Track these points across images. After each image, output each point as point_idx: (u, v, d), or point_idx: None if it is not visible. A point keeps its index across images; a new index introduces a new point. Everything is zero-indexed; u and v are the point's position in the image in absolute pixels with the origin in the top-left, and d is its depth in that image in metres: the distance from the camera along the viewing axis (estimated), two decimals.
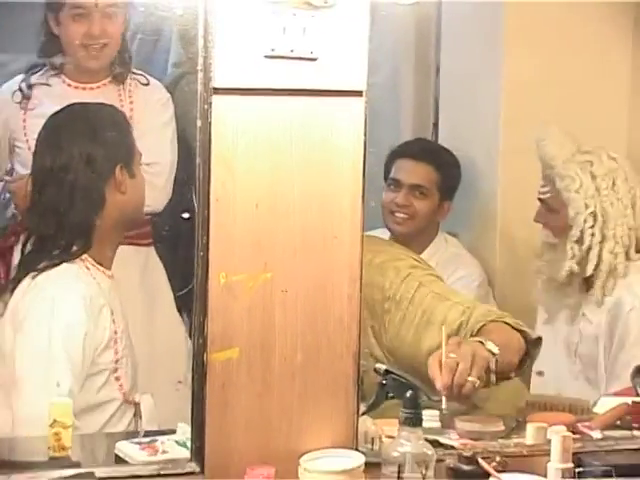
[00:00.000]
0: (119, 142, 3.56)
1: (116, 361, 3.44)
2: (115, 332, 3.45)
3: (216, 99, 2.93)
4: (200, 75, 2.94)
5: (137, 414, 3.40)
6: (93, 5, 3.89)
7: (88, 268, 3.47)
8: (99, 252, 3.51)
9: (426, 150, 4.58)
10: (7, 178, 4.01)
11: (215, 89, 2.92)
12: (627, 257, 4.08)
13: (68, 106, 3.66)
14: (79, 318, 3.38)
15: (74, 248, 3.47)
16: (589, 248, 4.05)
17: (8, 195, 4.07)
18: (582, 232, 4.12)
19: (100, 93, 4.00)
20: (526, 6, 4.18)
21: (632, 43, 4.28)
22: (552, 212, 4.19)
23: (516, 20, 4.26)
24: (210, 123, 2.94)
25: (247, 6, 2.91)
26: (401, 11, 3.43)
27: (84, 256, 3.47)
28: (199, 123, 2.97)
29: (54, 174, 3.55)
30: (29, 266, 3.50)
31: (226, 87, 2.93)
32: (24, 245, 3.60)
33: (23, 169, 3.95)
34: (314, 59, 2.96)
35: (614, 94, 4.29)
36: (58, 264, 3.44)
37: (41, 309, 3.40)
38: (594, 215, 4.13)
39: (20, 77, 4.01)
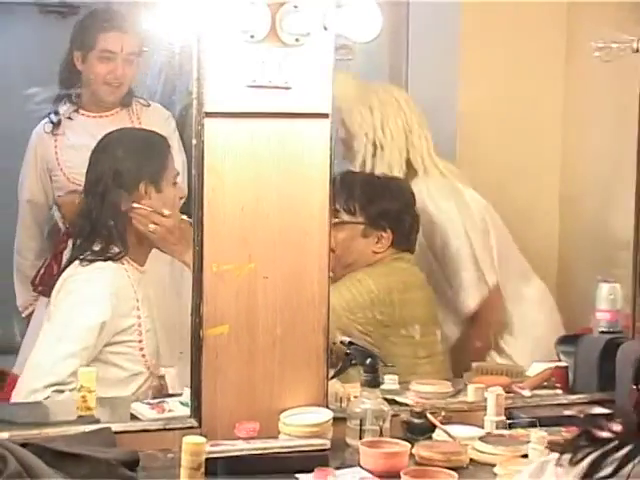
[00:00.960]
0: (147, 162, 3.55)
1: (140, 341, 3.46)
2: (139, 317, 3.46)
3: (208, 121, 3.00)
4: (194, 102, 3.01)
5: (163, 384, 3.40)
6: (119, 51, 3.90)
7: (123, 264, 3.49)
8: (135, 251, 3.52)
9: None
10: (59, 194, 4.00)
11: (207, 113, 3.00)
12: None
13: (116, 130, 3.70)
14: (100, 308, 3.40)
15: (115, 250, 3.48)
16: None
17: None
18: (365, 161, 3.99)
19: (114, 120, 3.99)
20: (479, 41, 4.24)
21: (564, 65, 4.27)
22: (348, 150, 4.05)
23: (470, 52, 4.28)
24: (203, 141, 3.01)
25: (232, 45, 2.98)
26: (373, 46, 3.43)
27: (125, 256, 3.49)
28: (194, 141, 3.03)
29: (91, 188, 3.58)
30: (75, 256, 3.52)
31: (216, 111, 3.01)
32: (73, 246, 3.63)
33: (60, 195, 4.00)
34: (288, 88, 3.03)
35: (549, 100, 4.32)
36: (93, 260, 3.46)
37: (73, 291, 3.45)
38: (374, 144, 3.97)
39: (48, 116, 3.98)
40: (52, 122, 4.00)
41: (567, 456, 1.71)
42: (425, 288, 3.92)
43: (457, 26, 4.32)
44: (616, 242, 4.08)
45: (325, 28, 3.04)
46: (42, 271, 4.00)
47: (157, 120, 4.02)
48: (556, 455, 1.77)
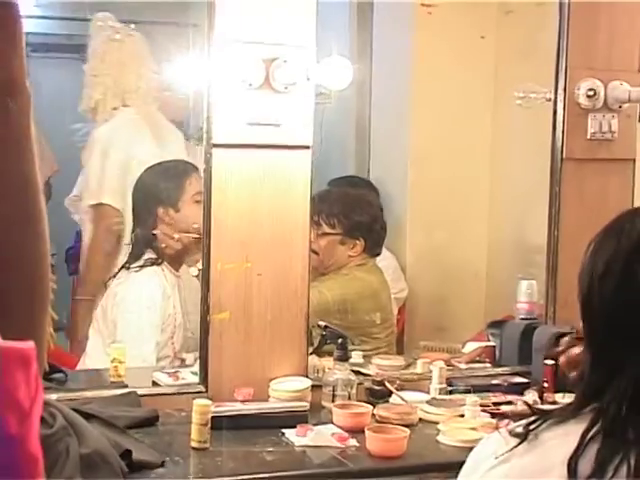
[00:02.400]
0: (164, 188, 3.57)
1: (172, 333, 3.49)
2: (174, 313, 3.50)
3: (215, 151, 3.03)
4: (205, 135, 3.04)
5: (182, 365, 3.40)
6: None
7: (163, 270, 3.52)
8: (171, 260, 3.55)
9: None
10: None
11: (214, 144, 3.03)
12: None
13: (150, 167, 3.68)
14: (158, 301, 3.48)
15: (150, 256, 3.53)
16: None
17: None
18: None
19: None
20: (426, 92, 4.29)
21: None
22: None
23: (418, 102, 4.34)
24: (211, 167, 3.04)
25: (234, 91, 3.01)
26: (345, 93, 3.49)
27: (163, 263, 3.52)
28: (204, 166, 3.07)
29: (134, 212, 3.66)
30: (125, 264, 3.58)
31: (221, 143, 3.03)
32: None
33: None
34: (278, 125, 3.06)
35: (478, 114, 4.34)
36: (144, 266, 3.51)
37: (135, 293, 3.49)
38: None
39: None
40: None
41: (512, 425, 1.68)
42: (380, 292, 3.92)
43: (408, 82, 4.36)
44: (532, 247, 4.11)
45: (308, 79, 3.07)
46: None
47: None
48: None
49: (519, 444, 1.57)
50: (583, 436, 1.51)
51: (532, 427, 1.60)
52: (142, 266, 3.53)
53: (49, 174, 4.06)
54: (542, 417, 1.62)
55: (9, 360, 0.85)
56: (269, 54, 3.03)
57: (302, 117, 3.13)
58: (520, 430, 1.60)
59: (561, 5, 3.53)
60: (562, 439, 1.55)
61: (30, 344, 0.86)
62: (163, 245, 3.56)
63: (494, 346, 3.60)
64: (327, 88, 3.19)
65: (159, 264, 3.55)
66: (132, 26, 3.90)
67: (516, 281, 3.79)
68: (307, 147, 3.15)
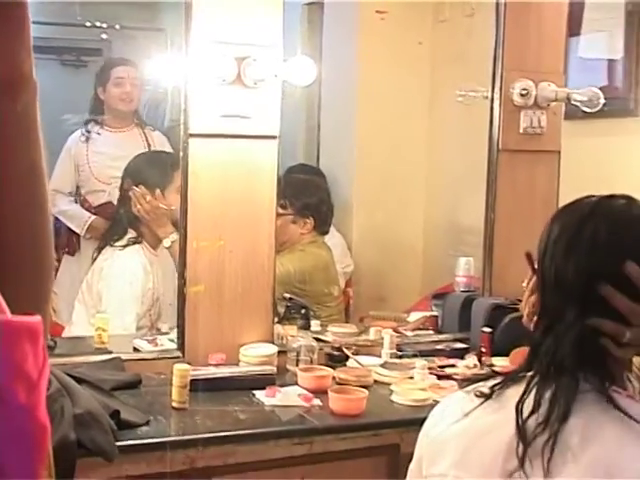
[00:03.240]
0: (153, 175, 3.55)
1: (150, 304, 3.46)
2: (152, 287, 3.47)
3: (191, 140, 2.98)
4: (182, 126, 3.00)
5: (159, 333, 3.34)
6: (127, 76, 3.91)
7: (143, 248, 3.49)
8: (150, 239, 3.50)
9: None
10: (84, 190, 4.01)
11: (191, 134, 2.98)
12: None
13: (142, 153, 3.74)
14: (140, 276, 3.44)
15: (131, 235, 3.50)
16: None
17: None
18: None
19: (129, 135, 3.98)
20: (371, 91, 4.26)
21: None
22: None
23: (364, 92, 4.32)
24: (188, 154, 2.99)
25: (209, 86, 2.96)
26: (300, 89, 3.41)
27: (143, 242, 3.49)
28: (181, 154, 3.02)
29: (120, 193, 3.62)
30: (107, 242, 3.54)
31: (197, 133, 2.99)
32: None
33: (83, 188, 3.96)
34: (248, 117, 3.02)
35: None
36: (128, 245, 3.48)
37: (118, 268, 3.46)
38: None
39: (82, 129, 3.97)
40: (84, 134, 3.97)
41: (474, 386, 1.69)
42: (330, 266, 3.93)
43: (355, 80, 4.33)
44: (464, 228, 4.12)
45: (275, 76, 3.02)
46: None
47: (160, 140, 3.99)
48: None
49: (484, 401, 1.62)
50: (528, 383, 1.57)
51: (496, 388, 1.64)
52: (125, 245, 3.51)
53: None
54: (504, 378, 1.67)
55: (18, 333, 0.81)
56: (240, 53, 2.99)
57: (270, 110, 3.08)
58: (485, 390, 1.64)
59: (497, 15, 3.54)
60: (518, 394, 1.58)
61: (37, 318, 0.83)
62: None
63: (437, 315, 3.60)
64: (293, 84, 3.12)
65: (139, 242, 3.53)
66: (117, 26, 3.89)
67: (448, 258, 3.82)
68: (274, 137, 3.11)
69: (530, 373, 1.60)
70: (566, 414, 1.51)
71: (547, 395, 1.54)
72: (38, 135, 0.99)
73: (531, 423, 1.53)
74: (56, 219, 3.92)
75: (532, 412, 1.54)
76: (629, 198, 1.65)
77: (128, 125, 4.04)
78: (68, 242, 3.99)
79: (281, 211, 3.73)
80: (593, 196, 1.65)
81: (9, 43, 0.95)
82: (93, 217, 3.92)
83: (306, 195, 3.89)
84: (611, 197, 1.65)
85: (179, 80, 3.03)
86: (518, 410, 1.55)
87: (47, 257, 1.02)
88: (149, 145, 3.97)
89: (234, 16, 3.01)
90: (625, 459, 1.46)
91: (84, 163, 3.94)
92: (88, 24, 4.27)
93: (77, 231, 3.94)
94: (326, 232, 3.96)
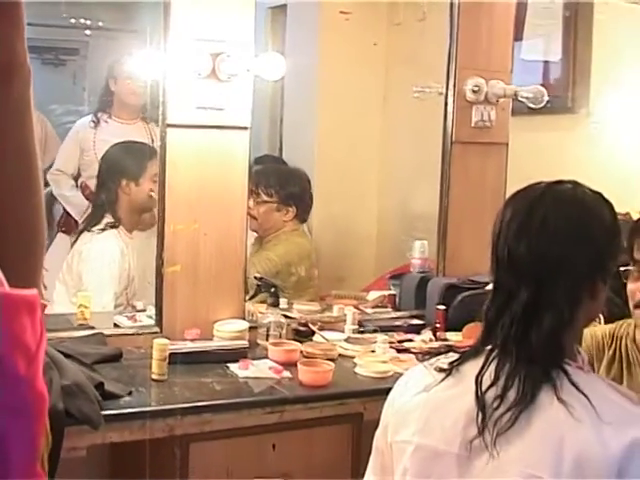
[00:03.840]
0: (130, 164, 3.51)
1: (126, 284, 3.42)
2: (128, 268, 3.44)
3: (169, 130, 2.95)
4: (160, 117, 2.96)
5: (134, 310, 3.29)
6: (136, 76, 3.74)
7: (119, 232, 3.45)
8: (126, 223, 3.47)
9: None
10: (84, 175, 3.93)
11: (168, 124, 2.94)
12: None
13: (119, 143, 3.66)
14: (117, 258, 3.41)
15: (109, 220, 3.45)
16: None
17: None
18: None
19: (135, 128, 3.90)
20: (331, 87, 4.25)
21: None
22: None
23: (324, 88, 4.31)
24: (166, 143, 2.96)
25: (186, 80, 2.92)
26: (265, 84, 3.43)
27: (120, 226, 3.46)
28: (160, 143, 2.98)
29: (98, 179, 3.58)
30: (86, 226, 3.50)
31: (175, 123, 2.95)
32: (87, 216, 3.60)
33: (85, 172, 3.88)
34: (222, 109, 2.98)
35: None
36: (105, 229, 3.44)
37: (97, 251, 3.41)
38: None
39: (91, 115, 3.91)
40: (94, 121, 3.90)
41: (433, 360, 1.70)
42: (311, 253, 3.93)
43: (316, 77, 4.30)
44: (415, 215, 4.11)
45: (247, 70, 2.99)
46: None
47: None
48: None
49: (445, 377, 1.62)
50: (487, 357, 1.57)
51: (455, 363, 1.64)
52: (103, 229, 3.47)
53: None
54: (463, 355, 1.66)
55: (17, 306, 0.80)
56: (215, 49, 2.95)
57: (242, 103, 3.05)
58: (445, 366, 1.64)
59: (452, 18, 3.53)
60: (476, 367, 1.59)
61: (34, 291, 0.82)
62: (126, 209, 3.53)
63: (395, 294, 3.59)
64: (264, 79, 3.09)
65: (116, 227, 3.49)
66: (95, 27, 3.83)
67: (400, 242, 3.83)
68: (246, 128, 3.07)
69: (488, 347, 1.60)
70: (524, 389, 1.51)
71: (505, 369, 1.54)
72: (32, 118, 0.99)
73: (490, 395, 1.53)
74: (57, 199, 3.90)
75: (491, 385, 1.54)
76: (575, 183, 1.66)
77: (135, 118, 3.97)
78: (66, 221, 3.93)
79: (266, 199, 3.77)
80: (542, 182, 1.66)
81: (6, 33, 0.94)
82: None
83: (290, 184, 3.85)
84: (559, 182, 1.65)
85: (158, 75, 2.98)
86: (478, 382, 1.55)
87: (40, 234, 1.01)
88: (152, 140, 3.85)
89: (209, 15, 2.96)
90: (573, 428, 1.46)
91: (90, 148, 3.88)
92: (67, 25, 4.20)
93: (76, 218, 3.87)
94: (306, 220, 3.94)
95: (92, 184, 3.79)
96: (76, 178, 3.94)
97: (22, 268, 0.97)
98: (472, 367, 1.59)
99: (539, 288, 1.55)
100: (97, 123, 3.91)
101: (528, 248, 1.56)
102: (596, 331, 2.32)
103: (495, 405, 1.51)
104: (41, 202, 1.01)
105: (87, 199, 3.83)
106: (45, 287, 3.44)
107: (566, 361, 1.55)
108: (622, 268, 2.22)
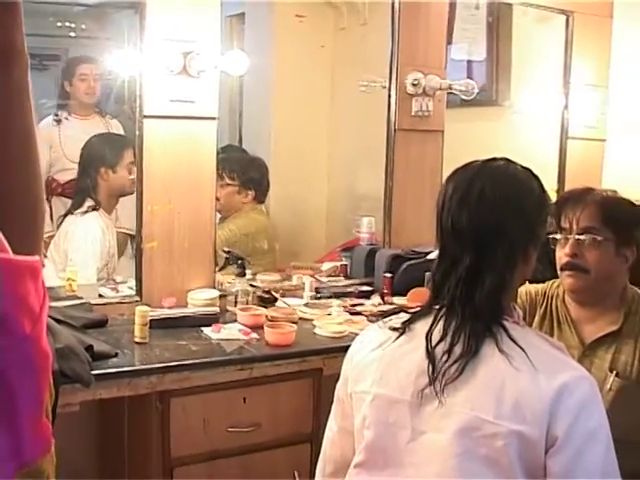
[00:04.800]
0: (107, 153, 3.46)
1: (107, 260, 3.38)
2: (108, 246, 3.40)
3: (145, 120, 2.90)
4: (137, 109, 2.91)
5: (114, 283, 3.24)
6: (90, 73, 3.77)
7: (100, 214, 3.40)
8: (105, 206, 3.42)
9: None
10: (55, 169, 3.81)
11: (145, 115, 2.90)
12: None
13: (97, 135, 3.61)
14: (98, 237, 3.36)
15: (90, 204, 3.40)
16: None
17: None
18: None
19: (92, 122, 3.85)
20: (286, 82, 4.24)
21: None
22: None
23: (279, 83, 4.28)
24: (142, 132, 2.91)
25: (160, 76, 2.88)
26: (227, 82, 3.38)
27: (100, 209, 3.41)
28: (137, 133, 2.93)
29: (80, 168, 3.50)
30: (70, 210, 3.44)
31: (150, 115, 2.90)
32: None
33: (53, 167, 3.77)
34: (193, 101, 2.95)
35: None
36: (87, 211, 3.39)
37: (81, 231, 3.37)
38: None
39: (52, 115, 3.81)
40: (56, 120, 3.81)
41: (386, 320, 1.70)
42: (268, 227, 3.93)
43: (272, 74, 4.26)
44: (360, 196, 4.13)
45: (215, 67, 2.95)
46: None
47: (116, 127, 3.88)
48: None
49: (399, 335, 1.62)
50: (435, 316, 1.58)
51: (407, 322, 1.64)
52: (85, 211, 3.42)
53: None
54: (413, 315, 1.66)
55: (21, 271, 0.80)
56: (186, 48, 2.91)
57: (210, 96, 3.01)
58: (397, 325, 1.64)
59: (393, 21, 3.52)
60: (426, 325, 1.59)
61: (37, 258, 0.82)
62: (106, 192, 3.47)
63: (346, 264, 3.58)
64: (229, 74, 3.06)
65: (97, 209, 3.44)
66: (83, 26, 3.77)
67: (347, 220, 3.83)
68: (214, 118, 3.04)
69: (436, 307, 1.60)
70: (469, 343, 1.52)
71: (452, 326, 1.55)
72: (30, 101, 0.97)
73: (439, 349, 1.54)
74: None
75: (440, 340, 1.55)
76: (507, 160, 1.66)
77: (91, 114, 3.91)
78: None
79: (229, 182, 3.76)
80: (478, 160, 1.65)
81: (5, 22, 0.93)
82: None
83: (251, 171, 3.86)
84: (493, 160, 1.65)
85: (134, 71, 2.93)
86: (428, 339, 1.55)
87: (40, 203, 1.00)
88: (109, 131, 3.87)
89: (180, 19, 2.91)
90: (512, 375, 1.47)
91: (57, 144, 3.79)
92: (49, 34, 4.14)
93: None
94: (263, 202, 3.94)
95: (60, 177, 3.76)
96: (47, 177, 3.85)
97: (25, 237, 0.96)
98: (422, 325, 1.59)
99: (480, 253, 1.55)
100: (59, 121, 3.84)
101: (469, 218, 1.56)
102: (530, 289, 2.34)
103: (444, 358, 1.52)
104: (40, 177, 0.99)
105: (53, 192, 3.73)
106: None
107: (505, 317, 1.57)
108: (550, 236, 2.25)
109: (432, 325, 1.57)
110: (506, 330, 1.54)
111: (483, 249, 1.55)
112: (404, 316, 1.66)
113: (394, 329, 1.63)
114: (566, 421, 1.43)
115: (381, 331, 1.66)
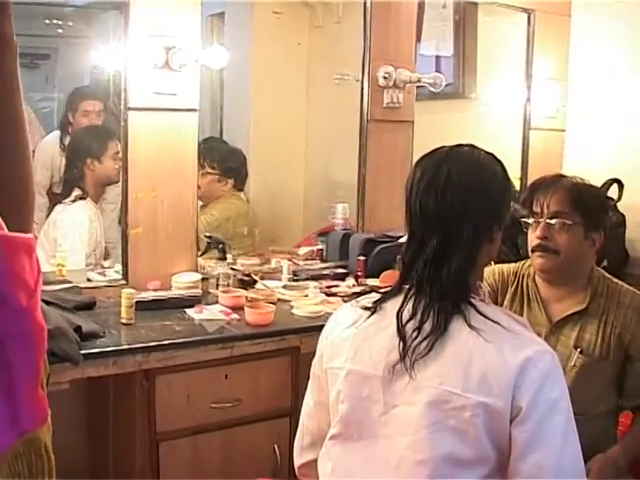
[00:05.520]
0: (93, 145, 3.43)
1: (94, 247, 3.36)
2: (95, 233, 3.36)
3: (130, 112, 2.88)
4: (122, 101, 2.88)
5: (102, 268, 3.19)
6: (92, 109, 3.70)
7: (87, 203, 3.37)
8: (92, 195, 3.39)
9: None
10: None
11: (129, 108, 2.87)
12: None
13: (84, 127, 3.59)
14: (86, 224, 3.34)
15: (77, 193, 3.38)
16: None
17: None
18: None
19: None
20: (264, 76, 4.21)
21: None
22: None
23: (258, 77, 4.26)
24: (128, 124, 2.88)
25: (144, 70, 2.85)
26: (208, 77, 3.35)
27: (87, 198, 3.38)
28: (122, 124, 2.89)
29: (67, 159, 3.49)
30: (58, 200, 3.42)
31: (134, 107, 2.87)
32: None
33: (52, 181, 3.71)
34: (175, 94, 2.92)
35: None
36: (75, 200, 3.37)
37: (70, 219, 3.34)
38: None
39: (57, 133, 3.75)
40: (60, 146, 3.71)
41: (359, 299, 1.70)
42: (247, 213, 3.90)
43: (251, 68, 4.24)
44: (335, 183, 4.08)
45: (196, 61, 2.92)
46: None
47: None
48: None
49: (371, 315, 1.61)
50: (405, 295, 1.57)
51: (378, 302, 1.63)
52: (73, 200, 3.40)
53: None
54: (384, 294, 1.65)
55: (16, 246, 0.79)
56: (168, 43, 2.87)
57: (191, 89, 2.98)
58: (369, 305, 1.63)
59: (365, 18, 3.52)
60: (397, 304, 1.58)
61: (31, 235, 0.81)
62: (92, 183, 3.45)
63: (322, 249, 3.57)
64: (210, 67, 3.04)
65: (84, 198, 3.42)
66: (70, 24, 3.71)
67: (323, 207, 3.80)
68: (195, 110, 3.01)
69: (406, 287, 1.59)
70: (438, 320, 1.51)
71: (421, 304, 1.54)
72: (20, 86, 0.95)
73: (409, 327, 1.53)
74: None
75: (410, 318, 1.54)
76: (472, 146, 1.64)
77: None
78: None
79: (210, 171, 3.74)
80: (445, 146, 1.64)
81: None
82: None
83: (230, 160, 3.84)
84: (458, 146, 1.64)
85: (120, 65, 2.90)
86: (398, 317, 1.55)
87: (31, 185, 0.98)
88: None
89: (162, 16, 2.88)
90: (479, 350, 1.47)
91: (57, 162, 3.73)
92: (40, 34, 4.11)
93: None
94: (242, 190, 3.92)
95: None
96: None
97: (17, 216, 0.94)
98: (393, 304, 1.58)
99: (446, 235, 1.54)
100: (63, 147, 3.75)
101: (436, 201, 1.54)
102: (503, 268, 2.35)
103: (414, 335, 1.51)
104: (30, 159, 0.98)
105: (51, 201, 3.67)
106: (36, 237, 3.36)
107: (472, 295, 1.56)
108: (522, 220, 2.26)
109: (402, 304, 1.56)
110: (474, 307, 1.53)
111: (449, 231, 1.54)
112: (375, 296, 1.65)
113: (366, 308, 1.62)
114: (530, 392, 1.43)
115: (354, 310, 1.65)
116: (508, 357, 1.45)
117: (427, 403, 1.47)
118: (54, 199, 3.54)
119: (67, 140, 3.72)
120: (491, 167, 1.62)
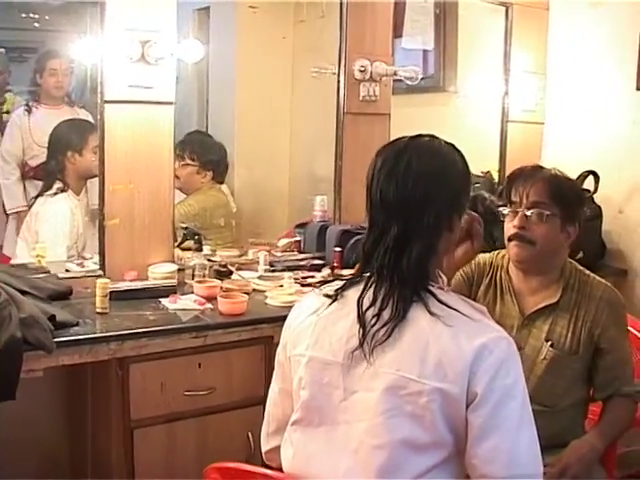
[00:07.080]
0: (73, 138, 3.44)
1: (75, 238, 3.36)
2: (77, 225, 3.38)
3: (106, 105, 2.87)
4: (99, 95, 2.88)
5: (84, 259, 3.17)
6: (59, 68, 3.76)
7: (68, 195, 3.39)
8: (74, 188, 3.41)
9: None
10: (28, 155, 3.82)
11: (106, 101, 2.87)
12: None
13: (65, 120, 3.59)
14: (67, 217, 3.35)
15: (59, 185, 3.40)
16: None
17: None
18: None
19: (62, 112, 3.82)
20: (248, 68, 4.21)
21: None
22: None
23: (242, 71, 4.27)
24: (104, 116, 2.88)
25: (120, 63, 2.85)
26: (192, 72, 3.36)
27: (68, 190, 3.40)
28: (99, 117, 2.90)
29: (49, 152, 3.50)
30: (40, 192, 3.44)
31: (111, 99, 2.87)
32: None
33: (27, 155, 3.79)
34: (151, 87, 2.92)
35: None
36: (57, 193, 3.39)
37: (51, 211, 3.36)
38: None
39: (23, 104, 3.82)
40: (27, 110, 3.81)
41: (322, 287, 1.71)
42: (227, 205, 3.92)
43: (235, 63, 4.26)
44: (318, 177, 4.07)
45: (171, 54, 2.94)
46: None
47: (85, 116, 3.80)
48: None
49: (332, 302, 1.61)
50: (366, 283, 1.57)
51: (339, 290, 1.64)
52: (55, 193, 3.42)
53: None
54: (345, 282, 1.66)
55: None
56: (144, 37, 2.88)
57: (167, 82, 2.98)
58: (331, 292, 1.64)
59: (341, 14, 3.55)
60: (357, 292, 1.59)
61: None
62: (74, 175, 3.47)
63: (300, 240, 3.58)
64: (185, 61, 3.05)
65: (66, 191, 3.44)
66: (47, 17, 3.75)
67: (307, 201, 3.79)
68: (171, 103, 3.01)
69: (367, 275, 1.60)
70: (397, 307, 1.52)
71: (382, 292, 1.55)
72: None
73: (369, 314, 1.54)
74: None
75: (370, 305, 1.54)
76: (432, 136, 1.65)
77: (60, 105, 3.89)
78: None
79: (189, 162, 3.77)
80: (405, 136, 1.65)
81: None
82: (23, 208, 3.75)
83: (210, 153, 3.86)
84: (419, 136, 1.64)
85: (96, 59, 2.90)
86: (359, 304, 1.56)
87: None
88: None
89: (138, 10, 2.89)
90: (435, 336, 1.48)
91: (27, 133, 3.79)
92: (27, 28, 4.22)
93: (6, 206, 3.80)
94: (221, 182, 3.94)
95: (31, 162, 3.76)
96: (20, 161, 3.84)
97: None
98: (354, 292, 1.59)
99: (407, 223, 1.54)
100: (29, 111, 3.83)
101: (396, 189, 1.55)
102: (479, 259, 2.35)
103: (373, 322, 1.52)
104: None
105: (26, 176, 3.75)
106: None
107: (431, 283, 1.57)
108: (500, 209, 2.27)
109: (363, 291, 1.57)
110: (433, 294, 1.54)
111: (410, 219, 1.54)
112: (338, 284, 1.66)
113: (328, 296, 1.63)
114: (485, 378, 1.44)
115: (317, 298, 1.66)
116: (464, 344, 1.46)
117: (384, 389, 1.48)
118: (27, 175, 3.62)
119: (34, 104, 3.79)
120: (451, 156, 1.63)
